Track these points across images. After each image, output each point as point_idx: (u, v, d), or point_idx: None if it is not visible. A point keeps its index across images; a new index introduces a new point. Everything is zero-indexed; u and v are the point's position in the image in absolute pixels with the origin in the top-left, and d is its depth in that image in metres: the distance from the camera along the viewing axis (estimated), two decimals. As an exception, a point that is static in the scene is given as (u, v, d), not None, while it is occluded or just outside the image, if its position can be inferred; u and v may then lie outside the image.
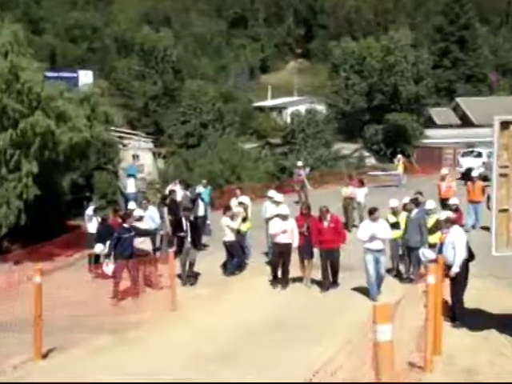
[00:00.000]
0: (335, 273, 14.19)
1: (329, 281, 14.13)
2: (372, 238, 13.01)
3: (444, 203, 18.72)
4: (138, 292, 14.45)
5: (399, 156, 36.14)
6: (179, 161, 41.62)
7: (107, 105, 26.59)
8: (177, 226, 16.02)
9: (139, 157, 41.05)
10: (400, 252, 14.98)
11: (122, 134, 46.59)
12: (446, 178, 20.67)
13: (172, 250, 14.06)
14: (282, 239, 14.39)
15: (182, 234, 15.52)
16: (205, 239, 18.85)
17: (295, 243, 14.38)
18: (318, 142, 44.32)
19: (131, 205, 18.48)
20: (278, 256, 14.49)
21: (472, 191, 19.96)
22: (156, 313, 12.71)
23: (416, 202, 15.15)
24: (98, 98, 24.80)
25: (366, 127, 48.84)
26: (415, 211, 14.56)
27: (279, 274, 14.57)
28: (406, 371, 7.91)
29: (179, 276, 15.04)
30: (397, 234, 14.66)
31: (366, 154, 48.77)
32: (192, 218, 16.40)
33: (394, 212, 15.00)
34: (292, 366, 8.92)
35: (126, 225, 14.94)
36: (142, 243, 15.29)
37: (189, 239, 15.50)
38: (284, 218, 14.48)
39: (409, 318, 8.41)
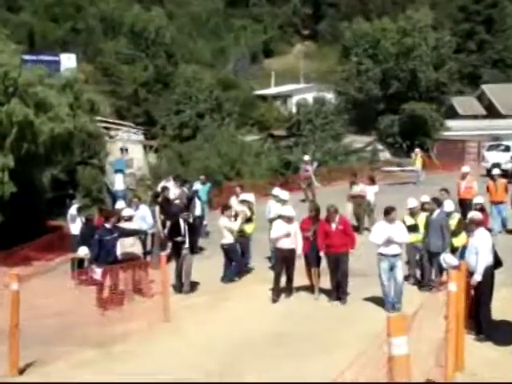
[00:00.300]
0: (344, 280, 13.90)
1: (334, 285, 14.02)
2: (388, 242, 12.83)
3: (462, 205, 18.68)
4: (121, 300, 14.48)
5: (417, 150, 36.06)
6: (172, 154, 41.64)
7: (92, 92, 26.62)
8: (173, 228, 15.85)
9: (128, 150, 41.17)
10: (417, 257, 14.92)
11: (109, 125, 46.67)
12: (466, 176, 20.41)
13: (165, 254, 14.04)
14: (285, 244, 14.21)
15: (179, 238, 15.35)
16: (201, 242, 18.85)
17: (299, 249, 14.18)
18: (327, 134, 44.35)
19: (119, 204, 18.49)
20: (281, 262, 14.32)
21: (494, 190, 19.86)
22: (146, 323, 12.72)
23: (438, 202, 15.04)
24: (82, 84, 24.83)
25: (381, 118, 48.81)
26: (437, 212, 14.40)
27: (282, 282, 14.40)
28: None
29: (174, 286, 15.01)
30: (415, 237, 14.56)
31: (380, 147, 48.75)
32: (191, 219, 16.35)
33: (412, 213, 14.85)
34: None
35: (107, 225, 14.88)
36: (132, 246, 15.28)
37: (186, 245, 15.42)
38: (288, 220, 14.28)
39: (428, 330, 8.40)
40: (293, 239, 14.17)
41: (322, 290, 14.40)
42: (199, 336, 12.08)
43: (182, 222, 15.58)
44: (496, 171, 20.88)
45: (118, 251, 14.96)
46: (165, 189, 20.24)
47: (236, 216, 16.36)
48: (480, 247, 11.13)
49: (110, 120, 48.43)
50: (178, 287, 15.25)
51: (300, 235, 14.20)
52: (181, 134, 45.43)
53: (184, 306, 13.97)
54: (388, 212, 13.15)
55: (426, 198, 15.44)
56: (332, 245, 13.76)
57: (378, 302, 13.26)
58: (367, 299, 13.68)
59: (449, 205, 15.07)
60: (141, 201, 19.08)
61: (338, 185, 34.29)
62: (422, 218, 14.69)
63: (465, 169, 21.31)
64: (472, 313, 10.96)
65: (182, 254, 15.30)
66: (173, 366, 10.27)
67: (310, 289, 14.50)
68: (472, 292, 11.05)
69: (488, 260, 11.20)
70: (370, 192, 21.46)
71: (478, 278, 11.02)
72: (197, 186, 21.96)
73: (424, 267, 14.56)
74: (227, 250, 16.08)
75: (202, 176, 24.19)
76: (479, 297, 11.19)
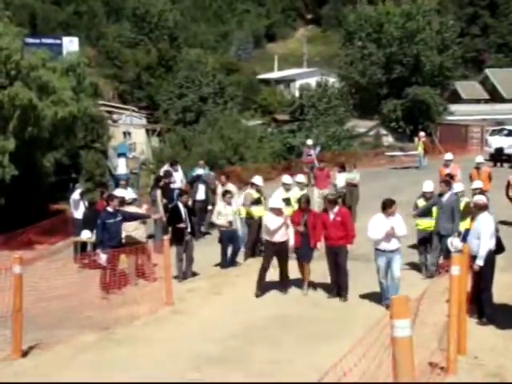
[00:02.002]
0: (343, 273, 13.17)
1: (336, 284, 13.25)
2: (386, 237, 12.10)
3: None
4: (124, 284, 14.57)
5: (420, 134, 35.99)
6: (175, 139, 41.61)
7: (95, 76, 26.59)
8: (173, 214, 15.60)
9: (131, 134, 41.13)
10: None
11: (112, 109, 46.69)
12: (449, 164, 19.77)
13: (167, 238, 14.01)
14: (277, 237, 13.47)
15: (182, 225, 15.13)
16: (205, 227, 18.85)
17: (291, 241, 13.50)
18: (330, 118, 44.29)
19: (118, 191, 18.33)
20: (271, 256, 13.59)
21: (477, 179, 18.72)
22: (149, 307, 12.72)
23: (448, 184, 14.91)
24: (85, 67, 24.77)
25: (384, 102, 48.71)
26: (448, 194, 14.27)
27: (277, 275, 13.74)
28: (426, 372, 7.91)
29: (176, 277, 14.93)
30: (428, 223, 14.45)
31: (384, 132, 48.77)
32: (190, 203, 16.24)
33: (427, 198, 14.66)
34: (300, 366, 8.93)
35: (109, 209, 14.77)
36: (136, 230, 15.28)
37: (188, 230, 15.27)
38: (278, 212, 13.49)
39: (431, 315, 8.41)
40: (284, 231, 13.51)
41: (322, 285, 13.73)
42: (202, 320, 12.09)
43: (181, 206, 15.44)
44: (480, 159, 19.94)
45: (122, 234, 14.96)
46: (168, 174, 20.20)
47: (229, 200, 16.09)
48: (482, 232, 11.10)
49: (113, 104, 48.44)
50: (181, 275, 15.08)
51: (291, 227, 13.53)
52: (184, 118, 45.44)
53: (187, 290, 13.98)
54: (386, 206, 12.25)
55: (428, 187, 15.29)
56: (329, 237, 13.10)
57: (377, 297, 12.56)
58: (365, 296, 12.98)
59: (458, 186, 14.95)
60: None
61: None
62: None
63: (448, 156, 20.63)
64: (473, 297, 10.97)
65: (185, 239, 15.13)
66: (175, 350, 10.28)
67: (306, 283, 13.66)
68: (473, 276, 11.05)
69: (490, 245, 11.18)
70: (339, 179, 20.63)
71: (480, 262, 11.00)
72: (199, 170, 21.83)
73: (431, 251, 14.48)
74: (220, 236, 15.96)
75: (201, 161, 24.10)
76: (481, 281, 11.19)
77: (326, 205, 13.38)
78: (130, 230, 15.22)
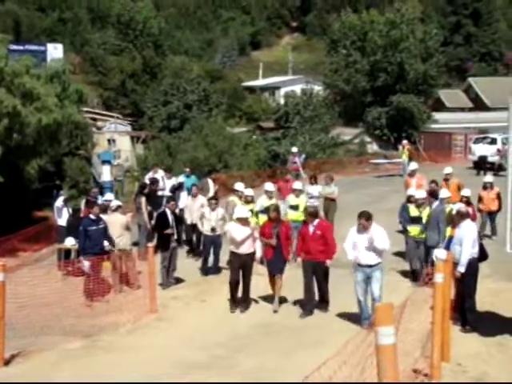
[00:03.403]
0: (323, 291, 12.57)
1: (312, 302, 12.51)
2: (363, 251, 11.37)
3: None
4: (108, 291, 14.61)
5: (404, 142, 36.16)
6: (160, 146, 41.57)
7: (80, 83, 26.53)
8: (160, 220, 15.54)
9: (116, 141, 40.98)
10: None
11: (97, 116, 46.58)
12: (415, 174, 19.21)
13: (152, 245, 13.98)
14: (243, 248, 12.87)
15: (169, 231, 15.09)
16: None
17: (258, 252, 12.99)
18: (316, 126, 44.39)
19: (108, 195, 18.42)
20: (238, 269, 12.89)
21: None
22: (133, 315, 12.70)
23: (434, 195, 14.93)
24: (70, 74, 24.73)
25: (368, 110, 48.95)
26: (435, 204, 14.31)
27: (239, 292, 13.08)
28: (410, 379, 7.95)
29: (160, 284, 14.91)
30: (417, 230, 14.45)
31: (368, 139, 48.95)
32: (177, 210, 16.24)
33: (418, 205, 14.59)
34: (285, 373, 8.94)
35: (92, 216, 14.89)
36: (120, 237, 15.26)
37: (175, 237, 15.26)
38: (244, 221, 12.91)
39: (415, 323, 8.46)
40: (251, 243, 12.92)
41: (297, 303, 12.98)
42: (186, 328, 12.09)
43: (169, 213, 15.46)
44: (448, 170, 18.98)
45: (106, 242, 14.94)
46: (154, 181, 20.15)
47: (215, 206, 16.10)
48: (465, 239, 11.17)
49: (98, 111, 48.34)
50: (165, 282, 15.01)
51: (259, 239, 12.99)
52: (168, 126, 45.42)
53: (171, 298, 13.97)
54: (359, 217, 11.45)
55: (412, 191, 15.50)
56: (307, 251, 12.34)
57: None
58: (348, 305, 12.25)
59: (444, 192, 14.99)
60: None
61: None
62: (427, 211, 14.46)
63: (413, 165, 20.08)
64: (457, 305, 11.03)
65: (171, 246, 15.11)
66: (160, 358, 10.27)
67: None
68: (456, 284, 11.12)
69: (472, 252, 11.24)
70: (311, 192, 19.31)
71: (461, 269, 11.06)
72: (181, 178, 21.74)
73: (417, 261, 14.48)
74: (204, 241, 16.01)
75: (187, 169, 24.05)
76: (464, 289, 11.25)
77: (306, 217, 12.71)
78: (115, 237, 15.19)
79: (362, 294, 11.43)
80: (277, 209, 13.30)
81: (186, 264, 15.97)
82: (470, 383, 8.46)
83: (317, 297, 12.67)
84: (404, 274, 15.04)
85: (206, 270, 15.85)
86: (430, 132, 47.86)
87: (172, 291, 14.61)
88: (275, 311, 12.70)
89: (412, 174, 19.37)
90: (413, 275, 14.41)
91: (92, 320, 12.81)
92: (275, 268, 12.75)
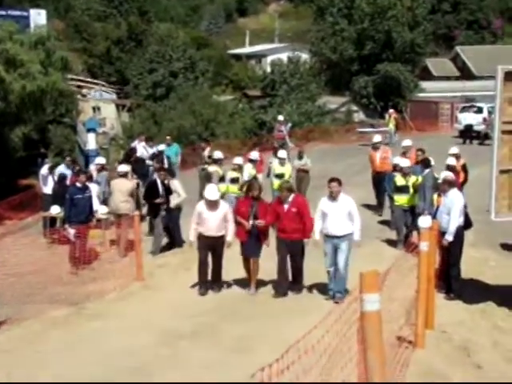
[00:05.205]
0: (297, 272, 11.91)
1: (287, 282, 11.90)
2: (331, 220, 11.09)
3: (379, 179, 17.72)
4: (95, 258, 14.83)
5: (391, 111, 36.24)
6: (146, 114, 41.36)
7: (64, 49, 26.25)
8: (151, 189, 15.42)
9: (100, 109, 40.71)
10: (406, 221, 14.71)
11: (82, 83, 46.16)
12: (379, 147, 18.81)
13: (138, 213, 13.99)
14: (210, 230, 11.95)
15: (159, 200, 15.10)
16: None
17: (230, 235, 12.05)
18: (302, 95, 44.24)
19: (99, 159, 18.42)
20: (206, 248, 12.03)
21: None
22: (119, 283, 12.73)
23: (425, 163, 14.98)
24: (54, 41, 24.46)
25: (355, 79, 48.81)
26: (425, 172, 14.46)
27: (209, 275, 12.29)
28: (394, 346, 8.03)
29: (152, 252, 14.99)
30: (403, 199, 14.68)
31: (355, 108, 48.88)
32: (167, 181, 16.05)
33: (404, 173, 14.81)
34: (271, 340, 9.01)
35: (78, 184, 14.95)
36: (124, 202, 15.42)
37: (165, 206, 15.24)
38: (211, 204, 11.94)
39: (399, 290, 8.52)
40: (220, 224, 12.00)
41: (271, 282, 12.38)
42: (172, 296, 12.12)
43: (159, 182, 15.36)
44: (407, 142, 17.97)
45: (99, 206, 15.10)
46: (133, 150, 20.10)
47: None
48: (453, 207, 11.26)
49: (82, 78, 47.89)
50: (157, 248, 15.15)
51: (232, 220, 12.05)
52: (154, 94, 45.05)
53: (157, 266, 14.01)
54: (330, 182, 11.18)
55: (398, 160, 15.64)
56: (282, 229, 11.61)
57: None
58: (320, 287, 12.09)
59: (404, 162, 15.13)
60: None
61: (315, 146, 34.48)
62: (413, 180, 14.70)
63: (377, 138, 19.31)
64: (442, 273, 11.13)
65: (160, 214, 15.15)
66: (146, 325, 10.31)
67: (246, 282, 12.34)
68: (441, 252, 11.21)
69: (459, 220, 11.35)
70: (245, 170, 17.88)
71: (449, 238, 11.17)
72: (161, 147, 21.51)
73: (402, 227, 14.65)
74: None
75: (168, 137, 23.89)
76: (449, 257, 11.36)
77: (280, 193, 11.85)
78: (118, 202, 15.31)
79: (331, 264, 11.22)
80: (258, 186, 12.27)
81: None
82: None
83: (290, 277, 12.00)
84: (389, 242, 15.16)
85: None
86: (416, 101, 47.83)
87: (158, 259, 14.67)
88: (252, 294, 11.97)
89: (377, 146, 18.74)
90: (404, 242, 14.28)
91: (78, 288, 12.85)
92: (250, 251, 11.93)
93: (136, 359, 8.79)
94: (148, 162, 20.09)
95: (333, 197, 11.09)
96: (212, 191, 12.06)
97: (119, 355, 8.88)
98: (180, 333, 9.92)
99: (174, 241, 15.47)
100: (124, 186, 15.65)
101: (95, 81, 48.82)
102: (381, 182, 17.39)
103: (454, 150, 17.07)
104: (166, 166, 18.84)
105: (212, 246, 12.04)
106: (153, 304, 11.65)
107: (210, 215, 11.90)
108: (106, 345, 9.36)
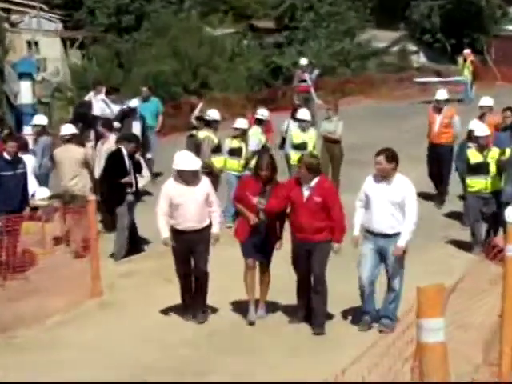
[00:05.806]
0: (321, 297, 11.39)
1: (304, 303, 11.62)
2: (376, 212, 10.91)
3: (436, 153, 17.97)
4: (31, 263, 14.96)
5: (467, 52, 36.09)
6: (106, 53, 41.35)
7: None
8: (114, 163, 15.35)
9: (39, 45, 40.72)
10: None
11: (10, 6, 46.12)
12: (442, 107, 18.62)
13: (93, 198, 14.03)
14: (186, 222, 11.69)
15: (126, 179, 15.14)
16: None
17: (216, 227, 11.93)
18: (336, 28, 44.22)
19: (39, 118, 18.47)
20: (184, 252, 11.88)
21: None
22: (66, 299, 12.81)
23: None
24: None
25: (414, 4, 48.64)
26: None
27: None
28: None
29: (112, 255, 15.07)
30: (479, 183, 14.65)
31: (413, 48, 48.75)
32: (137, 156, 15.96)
33: (481, 146, 14.69)
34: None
35: (6, 155, 14.79)
36: (76, 178, 15.59)
37: (133, 188, 15.31)
38: (189, 176, 11.67)
39: (475, 314, 8.56)
40: (202, 211, 11.77)
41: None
42: (142, 318, 12.18)
43: (125, 154, 15.30)
44: (442, 94, 18.63)
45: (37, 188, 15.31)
46: (83, 104, 20.17)
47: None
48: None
49: (13, -1, 47.87)
50: (121, 249, 15.20)
51: (217, 204, 12.08)
52: (118, 24, 45.04)
53: (124, 274, 14.09)
54: (377, 156, 10.90)
55: (475, 125, 15.49)
56: (299, 226, 11.27)
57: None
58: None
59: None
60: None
61: (354, 103, 34.44)
62: (494, 154, 14.61)
63: (441, 94, 18.91)
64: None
65: (127, 200, 15.17)
66: (102, 361, 10.36)
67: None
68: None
69: None
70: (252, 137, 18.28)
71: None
72: (134, 102, 21.44)
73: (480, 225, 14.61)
74: None
75: (145, 87, 23.80)
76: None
77: (301, 172, 11.39)
78: (67, 179, 15.40)
79: (368, 277, 10.97)
80: (272, 163, 11.64)
81: (145, 226, 15.88)
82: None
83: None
84: (459, 244, 15.17)
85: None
86: (504, 37, 47.63)
87: (124, 265, 14.73)
88: (260, 317, 11.78)
89: (439, 106, 18.62)
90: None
91: (5, 307, 12.89)
92: (259, 252, 11.60)
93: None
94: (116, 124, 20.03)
95: (382, 177, 10.86)
96: (186, 158, 11.80)
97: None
98: (155, 371, 9.98)
99: (136, 242, 15.53)
100: (73, 157, 15.67)
101: (30, 3, 48.70)
102: (439, 158, 17.59)
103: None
104: (137, 131, 18.94)
105: (190, 245, 11.79)
106: (114, 330, 11.72)
107: (187, 198, 11.59)
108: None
